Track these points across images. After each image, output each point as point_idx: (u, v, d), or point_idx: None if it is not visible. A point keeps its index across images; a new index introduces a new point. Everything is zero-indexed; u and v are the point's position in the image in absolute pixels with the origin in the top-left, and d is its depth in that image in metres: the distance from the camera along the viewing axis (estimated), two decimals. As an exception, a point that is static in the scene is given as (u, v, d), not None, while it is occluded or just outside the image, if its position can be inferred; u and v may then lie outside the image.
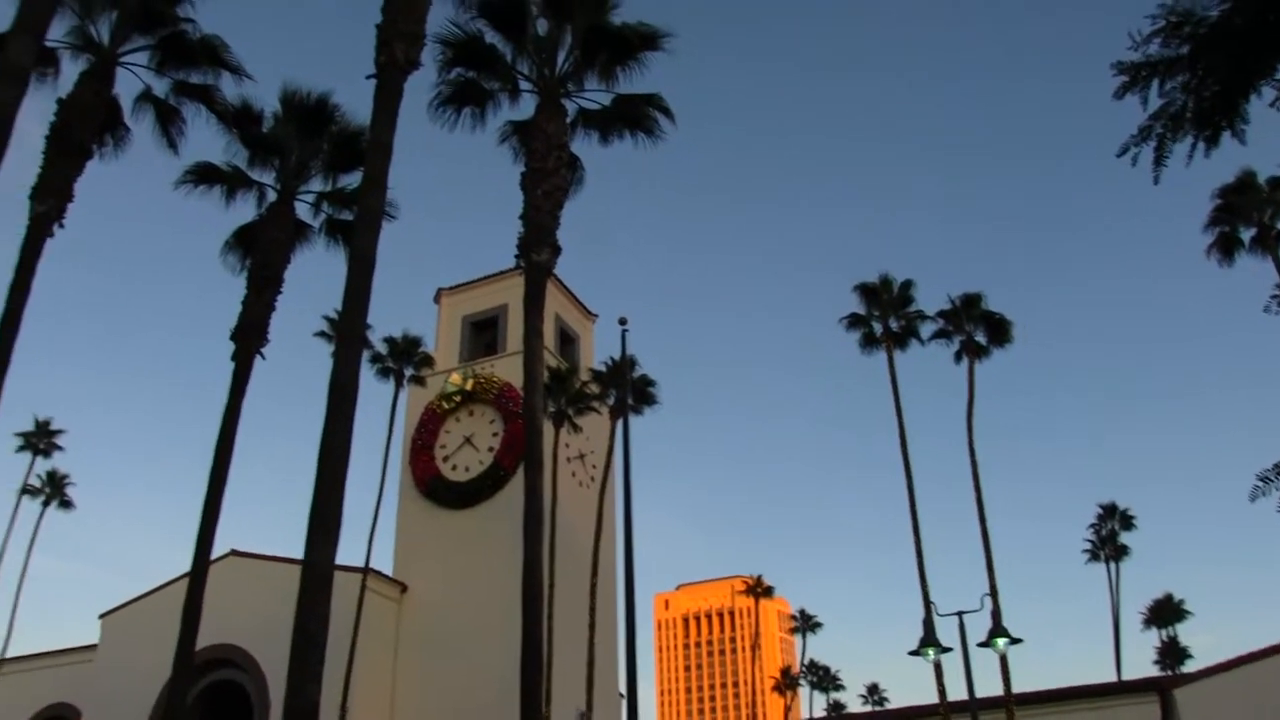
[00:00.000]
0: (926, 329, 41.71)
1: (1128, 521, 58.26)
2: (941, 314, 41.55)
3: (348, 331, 16.00)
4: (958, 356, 41.03)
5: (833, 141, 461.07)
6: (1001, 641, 23.81)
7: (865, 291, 41.09)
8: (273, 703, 45.71)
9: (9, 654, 53.75)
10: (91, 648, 55.78)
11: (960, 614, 24.08)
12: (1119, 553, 57.93)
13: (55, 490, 56.41)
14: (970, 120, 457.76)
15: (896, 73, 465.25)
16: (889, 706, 76.64)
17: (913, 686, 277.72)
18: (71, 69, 24.40)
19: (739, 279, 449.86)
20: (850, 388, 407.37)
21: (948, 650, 24.48)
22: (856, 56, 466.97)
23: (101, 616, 55.38)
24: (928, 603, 33.46)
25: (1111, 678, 51.82)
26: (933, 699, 38.10)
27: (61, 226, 23.35)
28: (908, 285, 41.53)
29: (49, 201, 22.38)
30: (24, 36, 14.17)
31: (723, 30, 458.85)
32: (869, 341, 40.90)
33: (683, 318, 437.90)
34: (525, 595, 20.96)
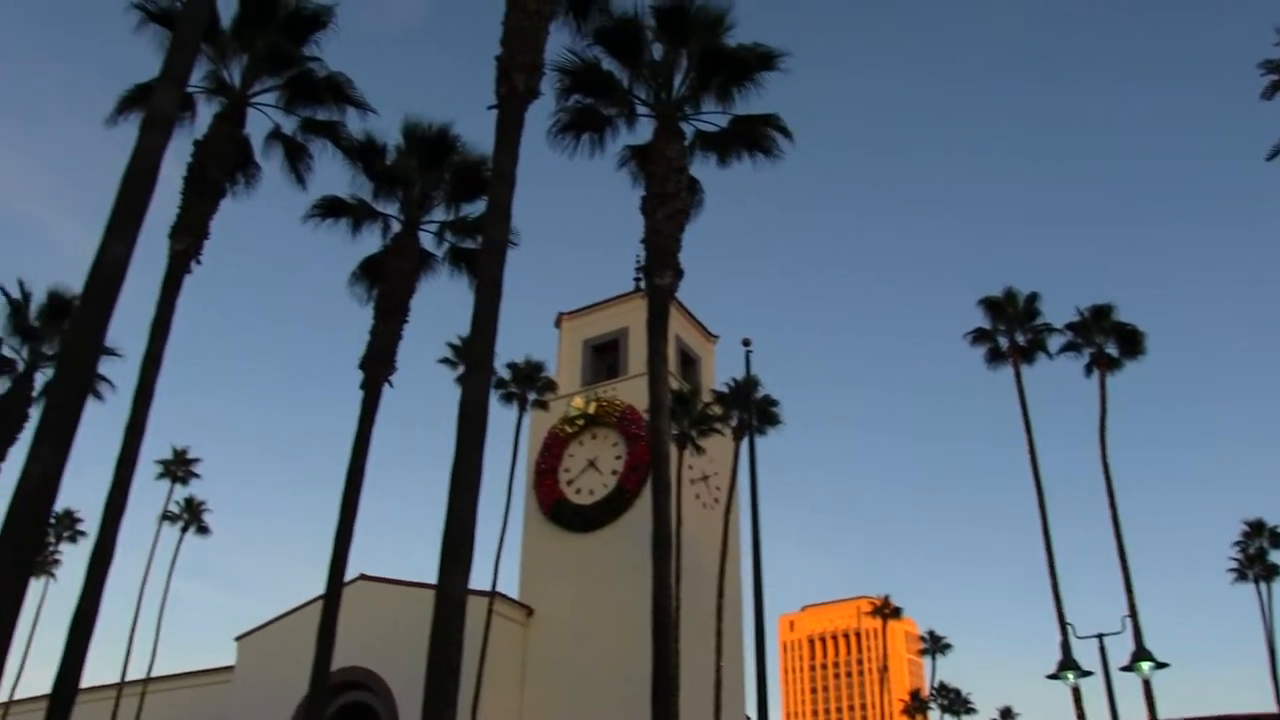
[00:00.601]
0: (1055, 342, 40.76)
1: (1277, 539, 55.38)
2: (1070, 326, 40.55)
3: (476, 360, 16.17)
4: (1088, 369, 40.00)
5: (951, 155, 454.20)
6: (1146, 666, 22.87)
7: (990, 306, 40.28)
8: (401, 723, 46.55)
9: (154, 674, 55.40)
10: (229, 668, 57.45)
11: (1100, 636, 23.20)
12: (1269, 572, 55.08)
13: (193, 516, 58.21)
14: (1093, 128, 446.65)
15: (1014, 81, 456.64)
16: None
17: (1048, 710, 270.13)
18: (205, 111, 25.32)
19: (857, 297, 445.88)
20: (976, 403, 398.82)
21: (1088, 674, 23.68)
22: (973, 66, 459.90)
23: (238, 639, 57.01)
24: (1064, 624, 32.52)
25: (1270, 707, 49.24)
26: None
27: (199, 263, 24.18)
28: (1034, 298, 40.62)
29: (186, 239, 23.20)
30: (169, 85, 14.68)
31: (838, 43, 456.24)
32: (995, 356, 40.04)
33: (802, 336, 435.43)
34: (656, 621, 20.91)
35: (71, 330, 12.85)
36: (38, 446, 11.80)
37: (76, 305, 16.98)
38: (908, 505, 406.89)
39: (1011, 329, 39.94)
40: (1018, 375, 38.94)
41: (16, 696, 55.10)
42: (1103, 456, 37.67)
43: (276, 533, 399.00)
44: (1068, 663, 23.75)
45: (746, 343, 23.62)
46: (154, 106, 14.62)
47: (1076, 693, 33.11)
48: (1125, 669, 23.28)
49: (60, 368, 13.17)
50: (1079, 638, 23.71)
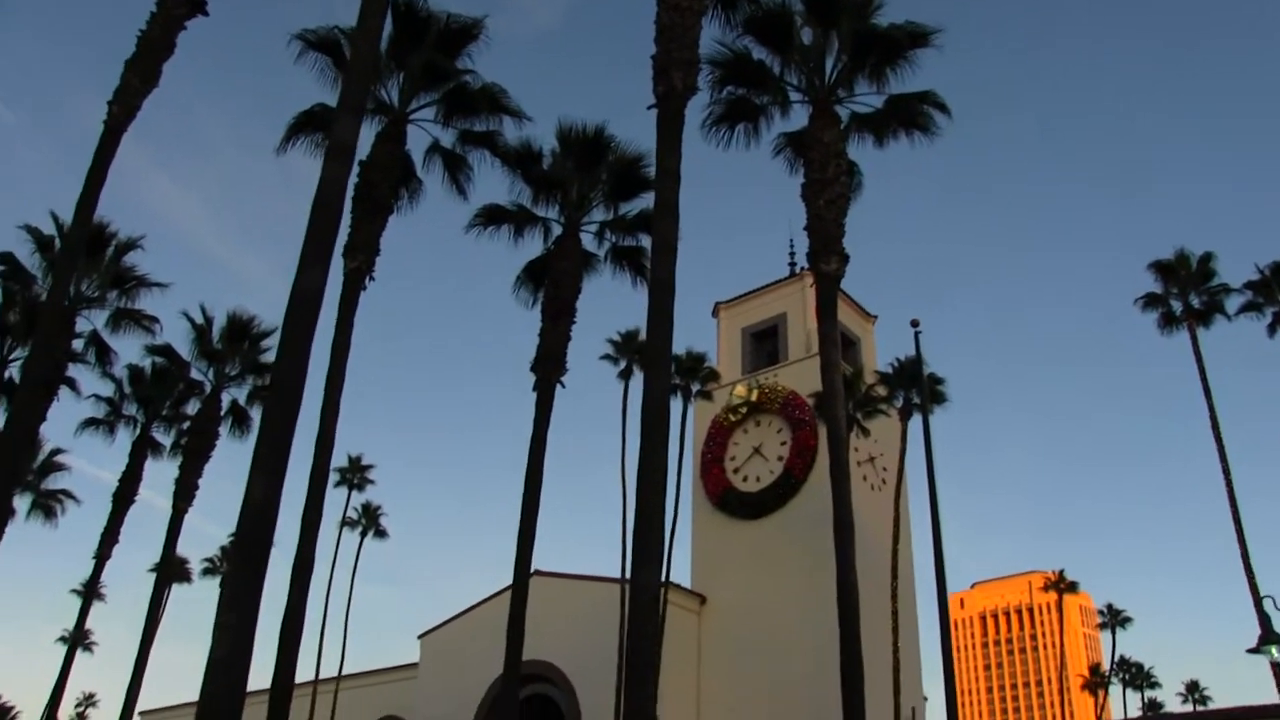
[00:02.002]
0: (1233, 303, 39.01)
1: None
2: (1249, 285, 38.80)
3: (654, 359, 16.42)
4: (1271, 329, 38.23)
5: (1108, 117, 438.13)
6: (1362, 639, 21.73)
7: (1161, 269, 38.81)
8: (583, 715, 47.37)
9: (345, 672, 57.67)
10: (413, 665, 59.39)
11: None
12: None
13: (370, 521, 60.26)
14: (1255, 75, 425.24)
15: (1166, 34, 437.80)
16: (1212, 706, 71.80)
17: (1238, 686, 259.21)
18: (367, 131, 26.20)
19: (1017, 269, 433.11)
20: (1150, 371, 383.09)
21: None
22: (1120, 24, 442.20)
23: (420, 636, 58.88)
24: (1256, 595, 31.20)
25: None
26: (1268, 698, 35.47)
27: (372, 279, 25.09)
28: (1208, 259, 38.95)
29: (359, 257, 24.10)
30: (347, 115, 15.27)
31: (986, 11, 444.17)
32: (1168, 321, 38.60)
33: (962, 312, 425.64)
34: (841, 606, 20.93)
35: (279, 361, 13.49)
36: (255, 472, 12.50)
37: (277, 331, 17.79)
38: (1080, 479, 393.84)
39: (1185, 292, 38.43)
40: (1194, 339, 37.47)
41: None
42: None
43: (449, 534, 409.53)
44: (1269, 636, 22.72)
45: (915, 323, 23.34)
46: (335, 137, 15.22)
47: (1276, 668, 31.81)
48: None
49: (270, 397, 13.89)
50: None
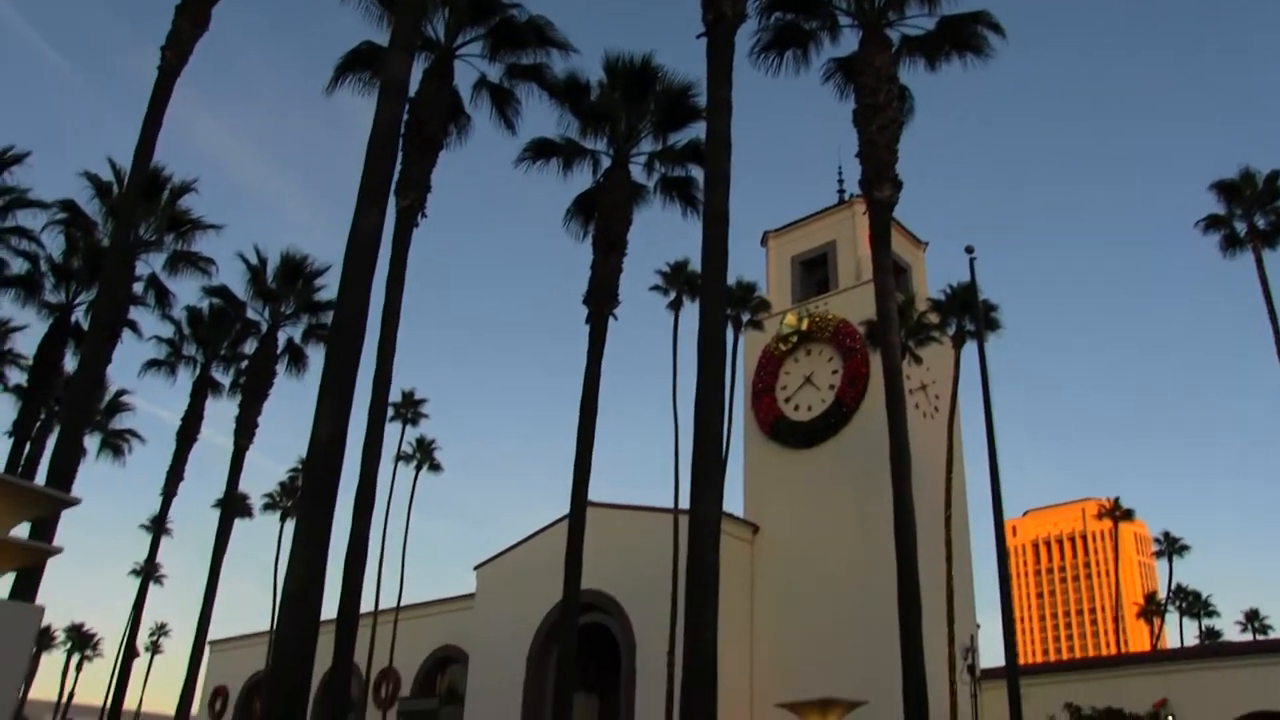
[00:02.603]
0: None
1: None
2: (1319, 203, 37.64)
3: (710, 291, 16.46)
4: (1340, 248, 37.19)
5: (1163, 39, 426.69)
6: None
7: (1225, 189, 37.82)
8: (638, 643, 48.08)
9: (403, 603, 58.80)
10: (469, 596, 60.37)
11: None
12: None
13: (425, 455, 60.97)
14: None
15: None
16: (1273, 635, 71.28)
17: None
18: (414, 68, 26.15)
19: (1068, 192, 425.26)
20: (1209, 296, 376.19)
21: None
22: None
23: (476, 568, 59.79)
24: None
25: None
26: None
27: (425, 216, 25.23)
28: (1275, 177, 37.84)
29: (411, 195, 24.21)
30: (399, 53, 15.30)
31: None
32: (1231, 243, 37.73)
33: (1015, 237, 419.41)
34: (898, 539, 21.02)
35: (340, 301, 13.66)
36: (321, 411, 12.75)
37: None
38: (1135, 407, 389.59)
39: (1249, 212, 37.53)
40: (1258, 261, 36.60)
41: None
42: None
43: (504, 467, 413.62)
44: None
45: (969, 250, 23.19)
46: (388, 75, 15.28)
47: None
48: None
49: (333, 337, 14.12)
50: None
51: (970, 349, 38.52)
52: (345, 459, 12.89)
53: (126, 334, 32.83)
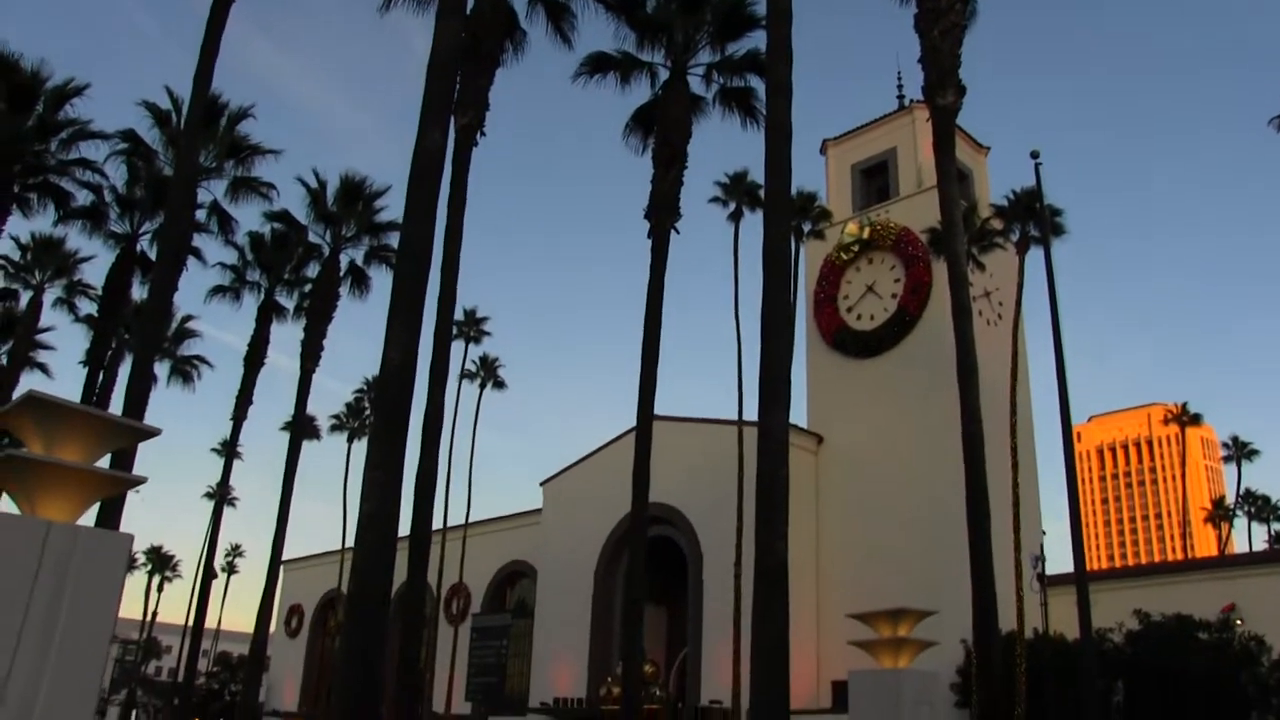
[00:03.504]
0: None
1: None
2: (1394, 94, 36.37)
3: (775, 205, 16.27)
4: None
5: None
6: None
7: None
8: (704, 555, 48.55)
9: (471, 520, 59.70)
10: (535, 512, 61.21)
11: None
12: None
13: (488, 373, 61.36)
14: None
15: None
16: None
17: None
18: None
19: (1135, 91, 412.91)
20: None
21: None
22: None
23: (542, 484, 60.51)
24: None
25: None
26: None
27: (484, 134, 25.10)
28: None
29: (469, 113, 24.04)
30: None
31: None
32: (1307, 138, 36.66)
33: (1081, 139, 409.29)
34: (966, 446, 20.90)
35: (406, 224, 13.67)
36: (392, 334, 12.83)
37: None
38: (1201, 310, 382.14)
39: (1326, 108, 36.25)
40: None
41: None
42: None
43: (568, 384, 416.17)
44: None
45: (1035, 154, 22.64)
46: (443, -5, 15.08)
47: None
48: None
49: (400, 260, 14.16)
50: None
51: (1034, 255, 37.88)
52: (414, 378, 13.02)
53: (191, 261, 33.24)
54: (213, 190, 34.00)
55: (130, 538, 7.67)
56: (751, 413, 39.54)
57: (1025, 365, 43.91)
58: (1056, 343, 23.35)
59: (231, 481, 42.94)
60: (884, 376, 46.29)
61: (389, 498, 12.21)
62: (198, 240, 34.00)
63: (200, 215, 33.90)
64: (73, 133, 30.69)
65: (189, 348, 44.16)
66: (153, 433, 8.15)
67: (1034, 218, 35.74)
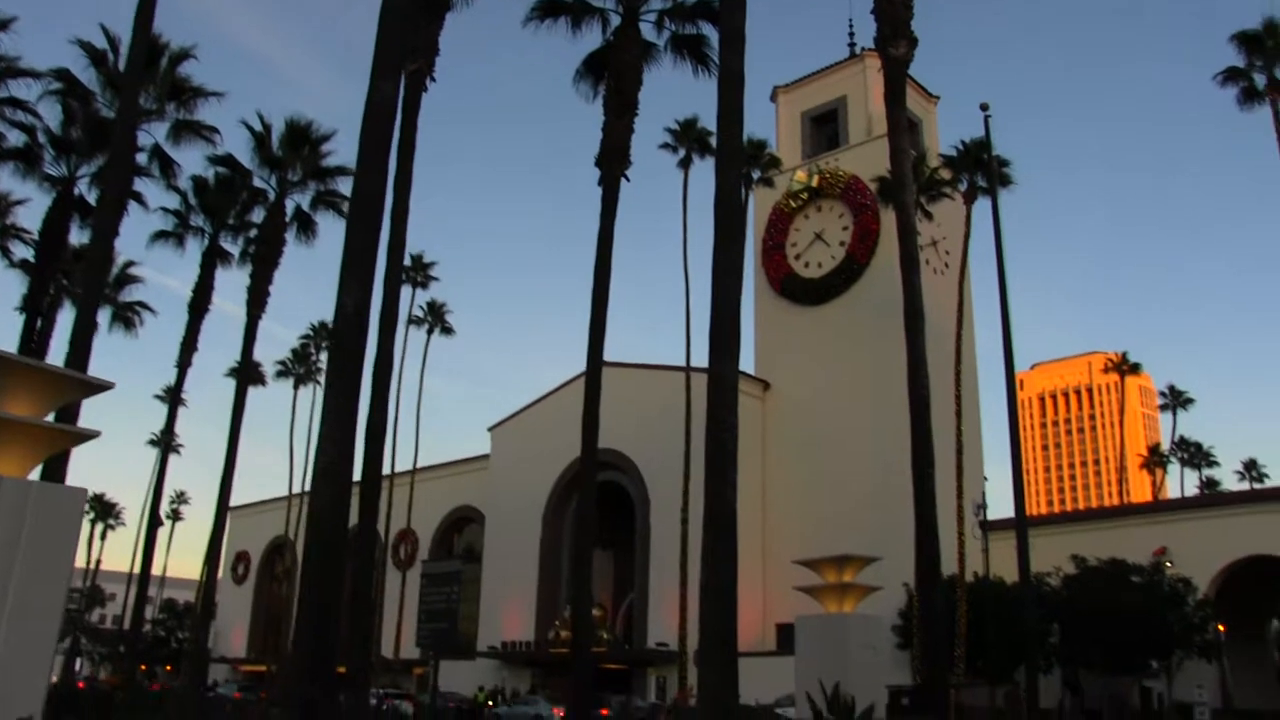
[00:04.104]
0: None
1: None
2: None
3: (726, 153, 16.26)
4: (1363, 98, 36.11)
5: None
6: None
7: (1245, 41, 36.66)
8: (652, 500, 49.00)
9: (419, 465, 59.65)
10: (484, 457, 61.37)
11: None
12: None
13: (436, 318, 60.98)
14: None
15: None
16: (1270, 483, 72.10)
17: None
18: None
19: (1084, 47, 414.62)
20: (1223, 151, 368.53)
21: None
22: None
23: (490, 429, 60.60)
24: None
25: None
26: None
27: (434, 80, 24.84)
28: (1298, 29, 36.59)
29: (419, 59, 23.80)
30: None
31: None
32: (1250, 96, 36.82)
33: (1026, 87, 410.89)
34: (912, 396, 21.13)
35: (359, 173, 13.53)
36: (346, 280, 12.76)
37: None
38: (1143, 262, 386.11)
39: (1270, 64, 36.54)
40: (1276, 114, 35.92)
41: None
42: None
43: (516, 331, 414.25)
44: None
45: (984, 107, 22.84)
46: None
47: None
48: None
49: (354, 210, 14.02)
50: None
51: (981, 206, 38.26)
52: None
53: (132, 206, 32.56)
54: (154, 133, 33.27)
55: (84, 492, 7.63)
56: (699, 359, 40.04)
57: (970, 313, 44.48)
58: (1002, 292, 23.70)
59: (176, 429, 42.48)
60: (831, 324, 46.74)
61: (345, 450, 12.21)
62: (139, 184, 33.32)
63: (141, 159, 33.24)
64: (1, 69, 29.83)
65: (131, 294, 43.36)
66: (105, 386, 8.07)
67: (982, 169, 36.06)
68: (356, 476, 21.28)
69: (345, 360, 12.55)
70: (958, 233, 41.35)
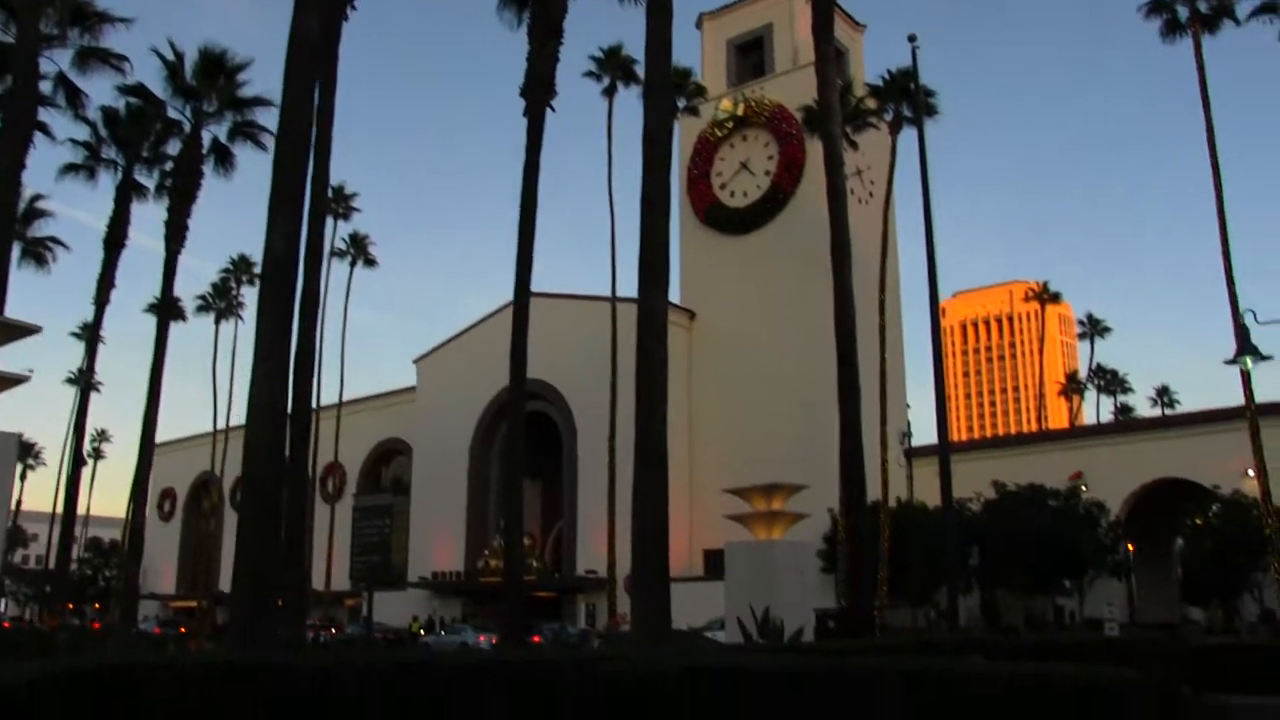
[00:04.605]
0: (1244, 7, 37.01)
1: None
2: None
3: (655, 85, 16.23)
4: (1282, 34, 36.31)
5: None
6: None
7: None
8: (578, 430, 49.26)
9: (345, 399, 59.27)
10: (410, 389, 61.15)
11: None
12: None
13: (359, 250, 60.25)
14: None
15: None
16: (1180, 410, 74.17)
17: (1211, 391, 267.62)
18: None
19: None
20: (1148, 82, 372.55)
21: (1267, 358, 23.07)
22: None
23: (416, 361, 60.33)
24: (1235, 306, 31.41)
25: None
26: (1233, 401, 36.73)
27: (354, 8, 24.31)
28: (1221, -43, 36.70)
29: (339, -14, 23.24)
30: None
31: None
32: (1172, 29, 37.04)
33: (952, 23, 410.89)
34: (838, 326, 21.41)
35: (284, 108, 13.26)
36: (275, 219, 12.58)
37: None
38: (1063, 193, 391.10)
39: (1193, -2, 36.57)
40: (1197, 47, 36.02)
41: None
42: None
43: (440, 263, 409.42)
44: (1245, 347, 23.02)
45: (912, 38, 22.79)
46: None
47: (1246, 376, 32.18)
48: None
49: (279, 144, 13.76)
50: (1260, 324, 22.88)
51: (906, 136, 38.50)
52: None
53: (39, 138, 31.45)
54: (58, 61, 32.09)
55: (17, 436, 7.54)
56: (625, 289, 40.06)
57: (894, 242, 44.96)
58: (928, 222, 23.84)
59: (95, 366, 41.60)
60: (757, 253, 46.98)
61: (279, 387, 12.14)
62: (45, 115, 32.18)
63: (45, 88, 32.05)
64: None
65: (41, 228, 42.08)
66: (31, 330, 7.93)
67: (908, 99, 36.19)
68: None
69: (276, 298, 12.43)
70: (882, 162, 41.60)
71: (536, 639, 33.66)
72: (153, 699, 4.80)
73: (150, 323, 36.15)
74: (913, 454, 48.50)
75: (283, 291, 12.47)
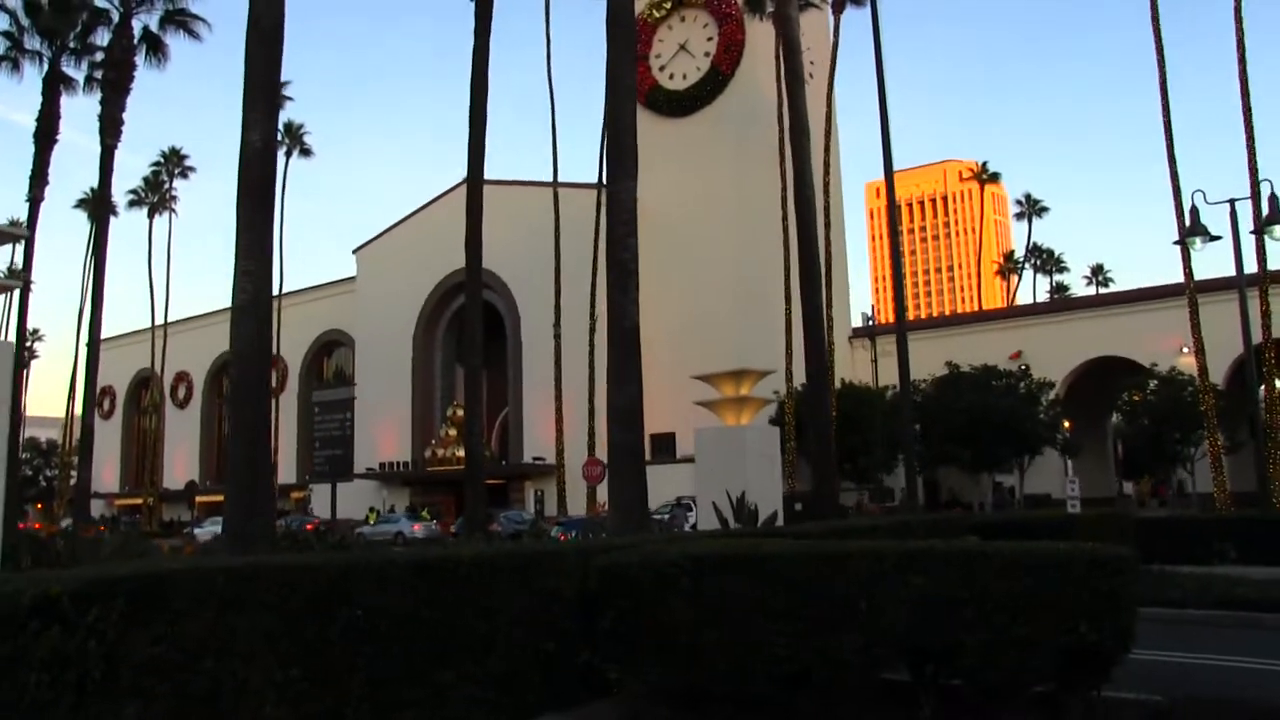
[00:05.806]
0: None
1: None
2: None
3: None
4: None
5: None
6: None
7: None
8: (522, 318, 49.13)
9: (285, 290, 58.60)
10: (350, 280, 60.42)
11: (1232, 201, 22.52)
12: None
13: (294, 141, 58.93)
14: None
15: None
16: (1114, 289, 75.42)
17: (1149, 271, 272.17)
18: None
19: None
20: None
21: (1217, 239, 23.51)
22: None
23: (355, 250, 59.48)
24: (1176, 187, 31.73)
25: None
26: (1165, 280, 37.41)
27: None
28: None
29: None
30: None
31: None
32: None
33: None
34: (799, 209, 21.55)
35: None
36: (250, 117, 12.36)
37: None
38: (1002, 71, 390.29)
39: None
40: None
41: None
42: (1236, 8, 33.42)
43: (379, 153, 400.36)
44: (1195, 228, 23.34)
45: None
46: None
47: (1187, 254, 32.59)
48: (1256, 233, 23.11)
49: (251, 38, 13.40)
50: (1209, 203, 23.20)
51: (847, 16, 38.32)
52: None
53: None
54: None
55: (11, 345, 7.50)
56: (567, 175, 39.77)
57: (835, 123, 44.88)
58: (882, 102, 24.01)
59: (21, 264, 40.59)
60: (698, 136, 46.66)
61: (262, 285, 12.08)
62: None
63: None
64: None
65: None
66: (20, 236, 7.82)
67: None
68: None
69: (256, 197, 12.28)
70: (820, 44, 41.40)
71: (494, 526, 34.06)
72: (182, 606, 4.90)
73: (79, 218, 35.26)
74: (852, 335, 49.12)
75: (261, 190, 12.33)
